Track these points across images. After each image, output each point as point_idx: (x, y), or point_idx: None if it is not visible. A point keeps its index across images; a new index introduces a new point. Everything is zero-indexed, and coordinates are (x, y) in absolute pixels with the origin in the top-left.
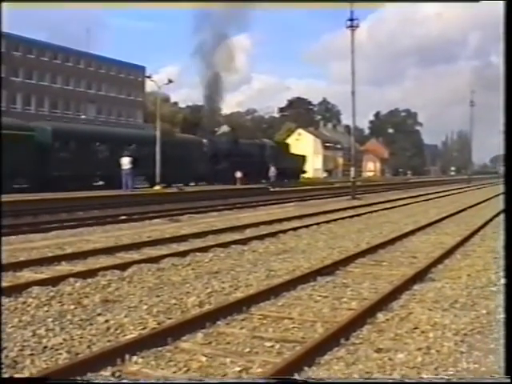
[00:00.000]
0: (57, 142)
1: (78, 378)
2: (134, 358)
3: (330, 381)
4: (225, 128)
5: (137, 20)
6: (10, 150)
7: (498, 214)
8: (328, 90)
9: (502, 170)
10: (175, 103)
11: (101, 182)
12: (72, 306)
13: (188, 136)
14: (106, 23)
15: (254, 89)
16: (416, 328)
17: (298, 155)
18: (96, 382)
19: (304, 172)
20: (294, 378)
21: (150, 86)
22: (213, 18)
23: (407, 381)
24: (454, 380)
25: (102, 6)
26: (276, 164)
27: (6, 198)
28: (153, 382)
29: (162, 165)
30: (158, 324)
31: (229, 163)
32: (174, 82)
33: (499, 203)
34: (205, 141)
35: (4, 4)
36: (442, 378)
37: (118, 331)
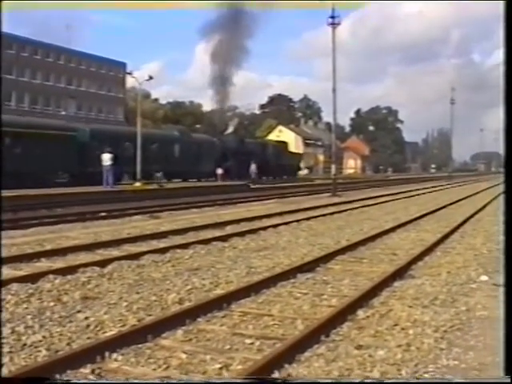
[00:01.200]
0: (93, 142)
1: (78, 379)
2: (114, 355)
3: (309, 380)
4: (231, 128)
5: (119, 16)
6: (54, 149)
7: (477, 212)
8: (310, 88)
9: (482, 167)
10: (156, 100)
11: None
12: (51, 303)
13: (202, 136)
14: (87, 19)
15: (236, 86)
16: (396, 325)
17: (295, 153)
18: (96, 381)
19: (300, 168)
20: (273, 377)
21: (130, 82)
22: (224, 21)
23: (407, 381)
24: (455, 380)
25: (87, 5)
26: (277, 161)
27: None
28: (153, 382)
29: (181, 162)
30: (138, 321)
31: (237, 161)
32: (156, 78)
33: (479, 201)
34: (216, 140)
35: (4, 4)
36: (442, 378)
37: (97, 328)
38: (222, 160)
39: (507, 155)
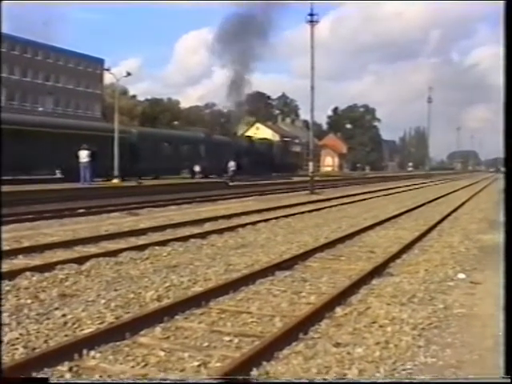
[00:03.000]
0: (140, 142)
1: (78, 379)
2: (92, 353)
3: (278, 381)
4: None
5: (98, 13)
6: (106, 149)
7: (455, 210)
8: (289, 85)
9: (459, 166)
10: (134, 96)
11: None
12: (29, 301)
13: (221, 137)
14: (66, 16)
15: (215, 83)
16: (374, 322)
17: (296, 152)
18: (96, 381)
19: (300, 166)
20: (237, 377)
21: (109, 78)
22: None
23: (408, 381)
24: (455, 380)
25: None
26: (281, 159)
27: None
28: (153, 381)
29: (205, 160)
30: (116, 318)
31: (248, 159)
32: (135, 74)
33: (456, 199)
34: (231, 141)
35: (4, 3)
36: (442, 378)
37: (75, 326)
38: (236, 158)
39: (507, 155)
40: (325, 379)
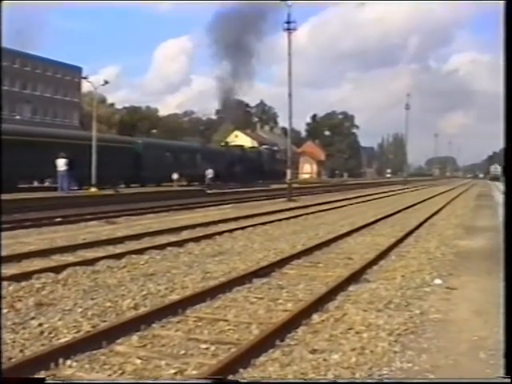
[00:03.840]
0: (145, 152)
1: (76, 379)
2: (68, 362)
3: (265, 381)
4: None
5: (77, 21)
6: (117, 158)
7: (432, 216)
8: (268, 92)
9: (437, 172)
10: (112, 104)
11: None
12: (5, 310)
13: (216, 146)
14: (44, 23)
15: (194, 91)
16: (351, 329)
17: (283, 160)
18: (95, 381)
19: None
20: (225, 377)
21: (87, 86)
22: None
23: (408, 381)
24: (455, 380)
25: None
26: (269, 166)
27: None
28: (153, 381)
29: (201, 167)
30: (93, 327)
31: (241, 167)
32: (114, 83)
33: (433, 205)
34: (225, 150)
35: (4, 3)
36: (442, 378)
37: (51, 335)
38: (229, 166)
39: (507, 156)
40: (325, 379)
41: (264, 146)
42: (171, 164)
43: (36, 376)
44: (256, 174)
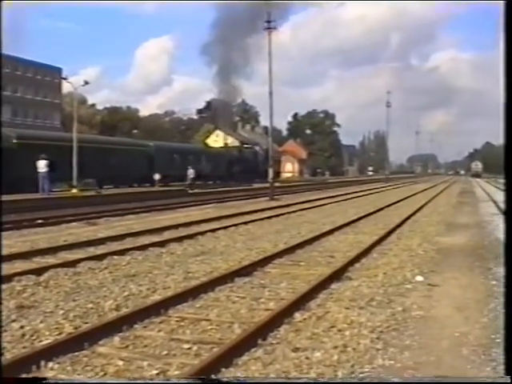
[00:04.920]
0: (157, 154)
1: (76, 378)
2: (50, 364)
3: (250, 381)
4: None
5: (58, 21)
6: (132, 160)
7: (414, 213)
8: (249, 91)
9: (418, 169)
10: (93, 105)
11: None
12: None
13: (217, 148)
14: (24, 24)
15: (176, 91)
16: (333, 326)
17: (276, 160)
18: (95, 381)
19: (279, 173)
20: (214, 377)
21: (68, 87)
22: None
23: (408, 381)
24: (455, 380)
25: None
26: (264, 166)
27: None
28: (152, 382)
29: (205, 167)
30: (75, 329)
31: (239, 167)
32: (95, 83)
33: (416, 202)
34: (224, 151)
35: (4, 3)
36: (442, 378)
37: (33, 337)
38: (229, 167)
39: (507, 156)
40: (323, 379)
41: (246, 145)
42: (180, 165)
43: (36, 376)
44: (252, 173)
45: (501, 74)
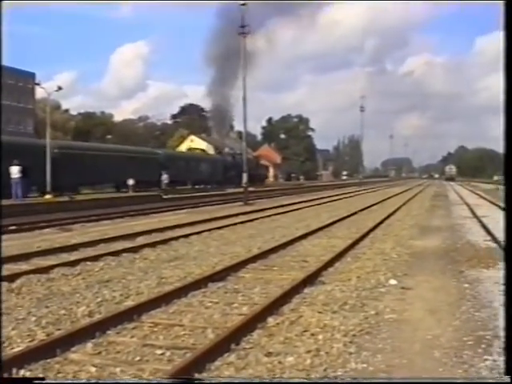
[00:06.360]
0: (166, 161)
1: (75, 378)
2: (22, 372)
3: (233, 380)
4: (227, 149)
5: (30, 25)
6: (144, 167)
7: (388, 217)
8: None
9: (393, 173)
10: (66, 110)
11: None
12: None
13: (214, 155)
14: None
15: (151, 96)
16: (306, 331)
17: (264, 165)
18: (95, 381)
19: (267, 177)
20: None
21: (41, 93)
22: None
23: (408, 381)
24: (455, 380)
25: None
26: (253, 171)
27: None
28: (153, 381)
29: (204, 173)
30: (47, 335)
31: (233, 172)
32: (69, 88)
33: (390, 206)
34: (220, 157)
35: (4, 3)
36: (442, 378)
37: (5, 344)
38: (224, 171)
39: (507, 156)
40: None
41: (239, 152)
42: (184, 171)
43: (35, 376)
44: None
45: (500, 72)
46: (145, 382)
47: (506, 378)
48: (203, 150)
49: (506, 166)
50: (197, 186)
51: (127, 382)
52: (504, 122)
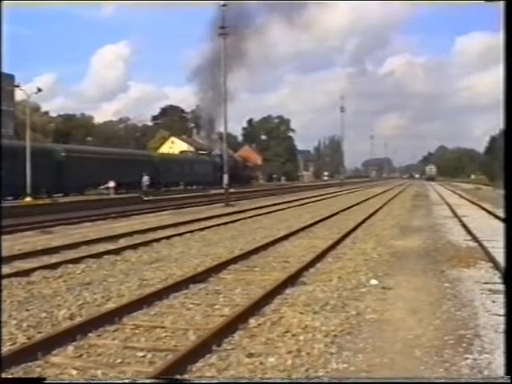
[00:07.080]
0: (162, 163)
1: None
2: (3, 375)
3: (214, 381)
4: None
5: (10, 24)
6: (143, 168)
7: (369, 217)
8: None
9: (373, 173)
10: (46, 112)
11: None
12: None
13: (204, 157)
14: None
15: (132, 97)
16: (287, 331)
17: (251, 166)
18: (94, 381)
19: (253, 178)
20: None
21: (20, 95)
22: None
23: (407, 381)
24: (455, 380)
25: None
26: (242, 172)
27: None
28: (153, 381)
29: (196, 175)
30: (28, 339)
31: (221, 172)
32: (50, 90)
33: (371, 206)
34: (210, 159)
35: (4, 3)
36: (442, 378)
37: None
38: (216, 173)
39: (507, 156)
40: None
41: (201, 152)
42: (178, 172)
43: (36, 376)
44: (234, 179)
45: (503, 73)
46: (139, 381)
47: (506, 378)
48: (202, 153)
49: (506, 166)
50: (188, 187)
51: (127, 382)
52: (504, 121)
